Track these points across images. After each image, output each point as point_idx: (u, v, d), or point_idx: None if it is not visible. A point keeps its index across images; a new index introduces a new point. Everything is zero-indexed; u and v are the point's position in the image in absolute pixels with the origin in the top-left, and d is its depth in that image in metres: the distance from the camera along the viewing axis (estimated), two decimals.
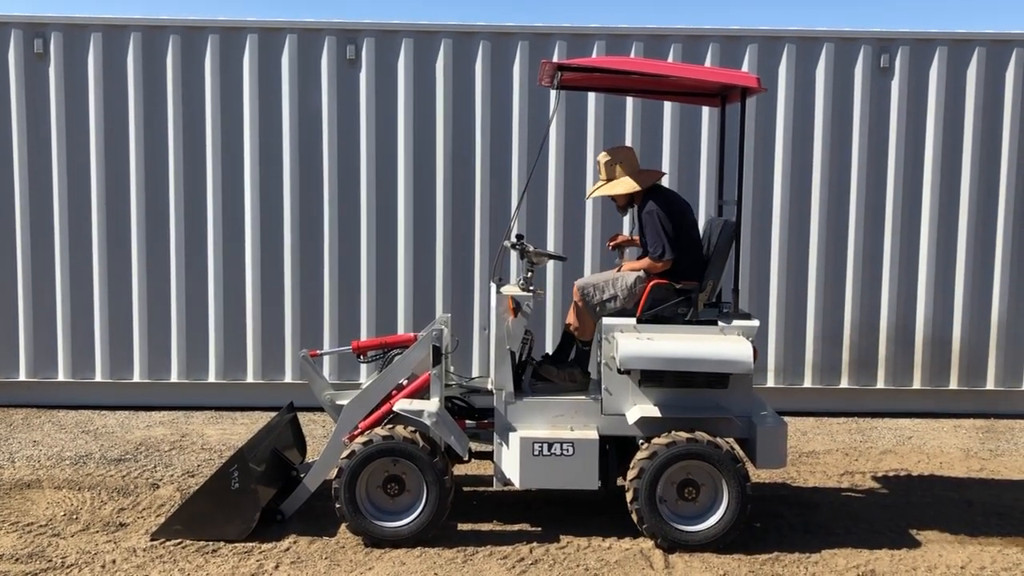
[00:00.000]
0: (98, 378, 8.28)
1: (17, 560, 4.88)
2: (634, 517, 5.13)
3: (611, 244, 6.07)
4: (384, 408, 5.41)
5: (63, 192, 8.16)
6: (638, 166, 5.65)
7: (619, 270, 5.64)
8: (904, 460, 7.03)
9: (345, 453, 5.16)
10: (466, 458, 5.60)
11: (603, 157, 5.63)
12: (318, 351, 6.18)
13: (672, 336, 5.25)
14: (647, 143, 8.21)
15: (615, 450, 5.40)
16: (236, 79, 8.14)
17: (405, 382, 5.52)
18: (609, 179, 5.61)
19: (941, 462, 7.00)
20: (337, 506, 5.12)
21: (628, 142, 8.21)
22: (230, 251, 8.23)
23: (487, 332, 7.85)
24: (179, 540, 5.13)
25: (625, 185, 5.52)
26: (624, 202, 5.67)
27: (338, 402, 5.79)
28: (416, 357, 5.44)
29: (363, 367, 8.11)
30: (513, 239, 5.55)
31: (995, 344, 8.36)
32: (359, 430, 5.35)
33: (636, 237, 5.96)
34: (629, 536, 5.27)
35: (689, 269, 5.46)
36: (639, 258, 5.65)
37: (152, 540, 5.14)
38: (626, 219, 8.22)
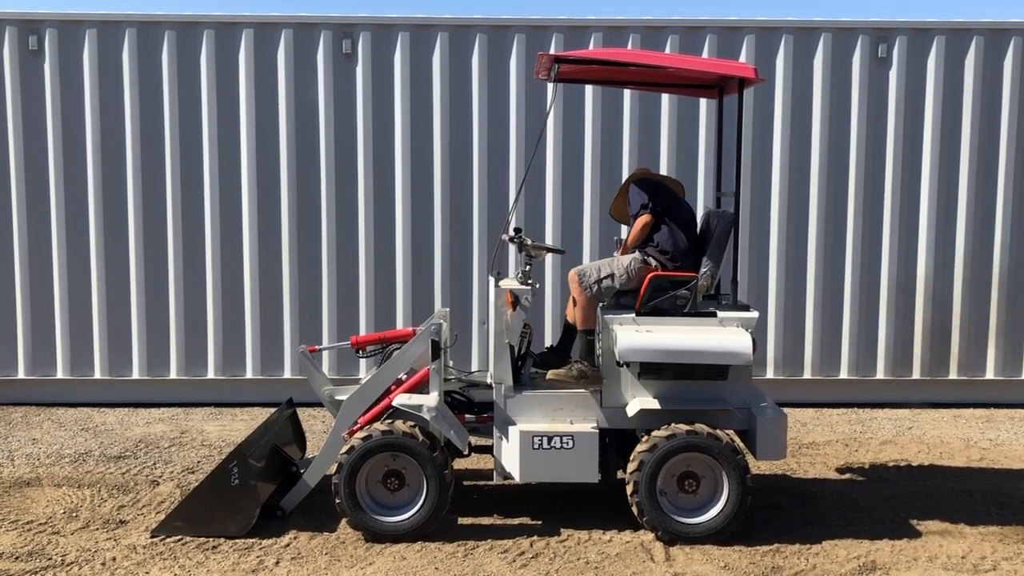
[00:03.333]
0: (97, 375, 8.27)
1: (17, 558, 4.87)
2: (634, 510, 5.13)
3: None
4: (383, 403, 5.40)
5: (60, 189, 8.13)
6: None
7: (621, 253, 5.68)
8: (904, 450, 7.03)
9: (344, 448, 5.15)
10: (466, 452, 5.61)
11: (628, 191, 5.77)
12: (317, 347, 6.18)
13: (671, 328, 5.24)
14: (645, 136, 8.20)
15: (615, 443, 5.40)
16: (232, 74, 8.12)
17: (404, 376, 5.52)
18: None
19: (941, 452, 7.00)
20: (337, 501, 5.12)
21: (626, 135, 8.20)
22: (228, 247, 8.22)
23: (486, 326, 7.84)
24: (179, 537, 5.12)
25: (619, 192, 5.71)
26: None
27: (337, 397, 5.79)
28: (415, 352, 5.43)
29: (362, 362, 8.10)
30: (511, 232, 5.54)
31: (994, 334, 8.36)
32: (358, 425, 5.34)
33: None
34: (630, 529, 5.27)
35: (685, 255, 5.47)
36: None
37: (152, 537, 5.13)
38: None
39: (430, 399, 5.23)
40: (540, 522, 5.43)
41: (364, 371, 8.05)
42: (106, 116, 8.12)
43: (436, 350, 5.32)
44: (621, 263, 5.48)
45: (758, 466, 6.31)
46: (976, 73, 8.19)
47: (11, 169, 8.12)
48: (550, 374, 5.45)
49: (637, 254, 5.50)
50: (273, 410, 6.28)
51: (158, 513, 5.52)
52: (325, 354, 8.22)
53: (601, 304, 5.53)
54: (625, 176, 8.16)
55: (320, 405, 6.80)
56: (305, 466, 5.64)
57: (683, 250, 5.48)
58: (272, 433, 5.73)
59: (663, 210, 5.48)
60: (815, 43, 8.18)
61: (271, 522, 5.33)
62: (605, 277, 5.45)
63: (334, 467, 5.18)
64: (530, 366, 5.66)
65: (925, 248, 8.30)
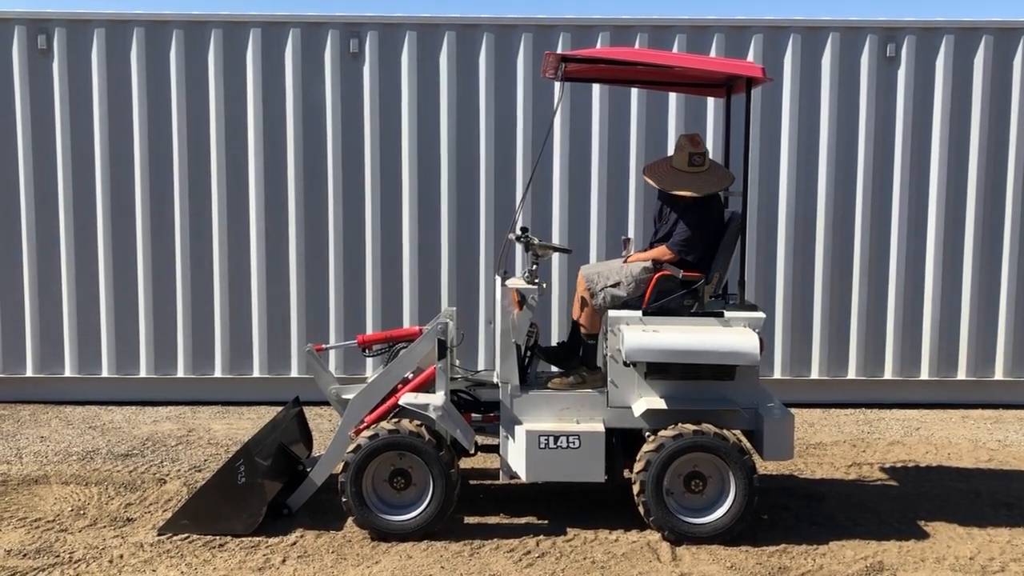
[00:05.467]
0: (105, 374, 8.29)
1: (25, 555, 4.89)
2: (641, 510, 5.12)
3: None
4: (390, 402, 5.40)
5: (68, 188, 8.16)
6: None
7: (626, 262, 5.62)
8: (912, 451, 7.00)
9: (351, 447, 5.15)
10: (472, 451, 5.60)
11: (694, 145, 5.46)
12: (323, 345, 6.18)
13: (678, 328, 5.23)
14: (652, 135, 8.18)
15: (621, 442, 5.39)
16: (239, 73, 8.13)
17: (411, 375, 5.52)
18: (697, 169, 5.44)
19: (949, 453, 6.97)
20: (343, 500, 5.12)
21: (633, 134, 8.18)
22: (235, 245, 8.23)
23: (492, 325, 7.84)
24: (186, 535, 5.13)
25: (717, 183, 5.45)
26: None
27: (344, 396, 5.79)
28: (421, 350, 5.43)
29: (369, 361, 8.11)
30: (518, 232, 5.53)
31: (1003, 334, 8.32)
32: (365, 424, 5.35)
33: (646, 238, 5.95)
34: (636, 528, 5.26)
35: (698, 261, 5.44)
36: (650, 246, 5.64)
37: (159, 535, 5.15)
38: (631, 206, 8.21)
39: (436, 398, 5.24)
40: (546, 521, 5.43)
41: (370, 370, 8.06)
42: (114, 115, 8.14)
43: (442, 349, 5.32)
44: (631, 272, 5.42)
45: (765, 466, 6.29)
46: (985, 73, 8.16)
47: (19, 168, 8.14)
48: (550, 384, 5.44)
49: (649, 263, 5.46)
50: (280, 408, 6.28)
51: (165, 511, 5.53)
52: (332, 353, 8.23)
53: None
54: (633, 168, 8.15)
55: (327, 404, 6.81)
56: (311, 464, 5.64)
57: (698, 259, 5.45)
58: (279, 432, 5.74)
59: (706, 240, 5.41)
60: (823, 42, 8.16)
61: (278, 520, 5.33)
62: (612, 285, 5.41)
63: (340, 466, 5.19)
64: (536, 365, 5.65)
65: (933, 246, 8.27)
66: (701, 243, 5.40)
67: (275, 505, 5.37)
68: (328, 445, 5.50)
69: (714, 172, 5.53)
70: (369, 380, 5.64)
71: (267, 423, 5.86)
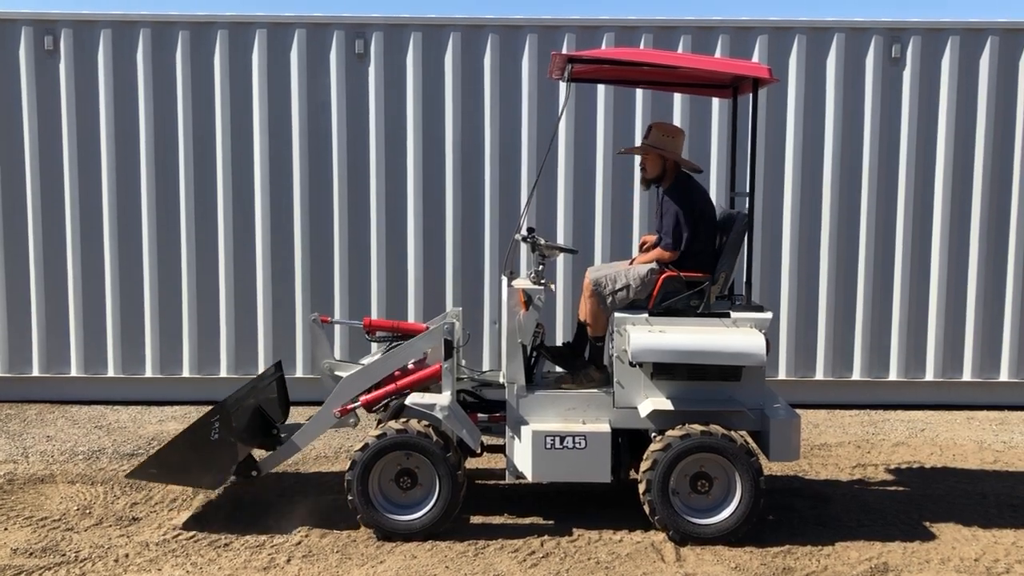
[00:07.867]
0: (111, 373, 8.31)
1: (31, 554, 4.90)
2: (646, 509, 5.12)
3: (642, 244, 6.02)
4: (387, 388, 5.40)
5: (74, 188, 8.18)
6: (682, 152, 5.65)
7: (632, 263, 5.63)
8: (917, 452, 7.00)
9: (359, 446, 5.16)
10: (478, 452, 5.61)
11: (657, 125, 5.65)
12: (329, 318, 6.18)
13: (684, 329, 5.23)
14: None
15: (627, 443, 5.39)
16: (245, 74, 8.14)
17: (411, 366, 5.52)
18: (652, 146, 5.56)
19: (954, 454, 6.96)
20: (349, 499, 5.13)
21: (638, 134, 8.18)
22: (240, 246, 8.25)
23: (497, 326, 7.85)
24: (192, 534, 5.14)
25: (664, 152, 5.52)
26: (652, 175, 5.62)
27: (336, 372, 5.78)
28: (423, 346, 5.44)
29: (373, 347, 8.09)
30: (524, 232, 5.54)
31: (1008, 335, 8.31)
32: (359, 403, 5.38)
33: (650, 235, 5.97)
34: (640, 529, 5.26)
35: (702, 261, 5.45)
36: (652, 247, 5.65)
37: (127, 479, 5.19)
38: (636, 207, 8.21)
39: (443, 398, 5.24)
40: (551, 522, 5.43)
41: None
42: (120, 115, 8.15)
43: (449, 349, 5.32)
44: (637, 273, 5.42)
45: (770, 467, 6.29)
46: (990, 73, 8.15)
47: (26, 168, 8.16)
48: (562, 382, 5.46)
49: (654, 264, 5.47)
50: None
51: (170, 510, 5.55)
52: (336, 335, 8.20)
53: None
54: (639, 168, 8.16)
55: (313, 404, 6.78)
56: (287, 431, 5.65)
57: (702, 259, 5.45)
58: (258, 393, 5.74)
59: (695, 231, 5.41)
60: (828, 43, 8.16)
61: (282, 519, 5.36)
62: (620, 289, 5.41)
63: (348, 464, 5.19)
64: (543, 366, 5.66)
65: (938, 249, 8.26)
66: (684, 230, 5.37)
67: (245, 466, 5.38)
68: (313, 416, 5.50)
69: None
70: (366, 362, 5.66)
71: (247, 383, 5.80)
